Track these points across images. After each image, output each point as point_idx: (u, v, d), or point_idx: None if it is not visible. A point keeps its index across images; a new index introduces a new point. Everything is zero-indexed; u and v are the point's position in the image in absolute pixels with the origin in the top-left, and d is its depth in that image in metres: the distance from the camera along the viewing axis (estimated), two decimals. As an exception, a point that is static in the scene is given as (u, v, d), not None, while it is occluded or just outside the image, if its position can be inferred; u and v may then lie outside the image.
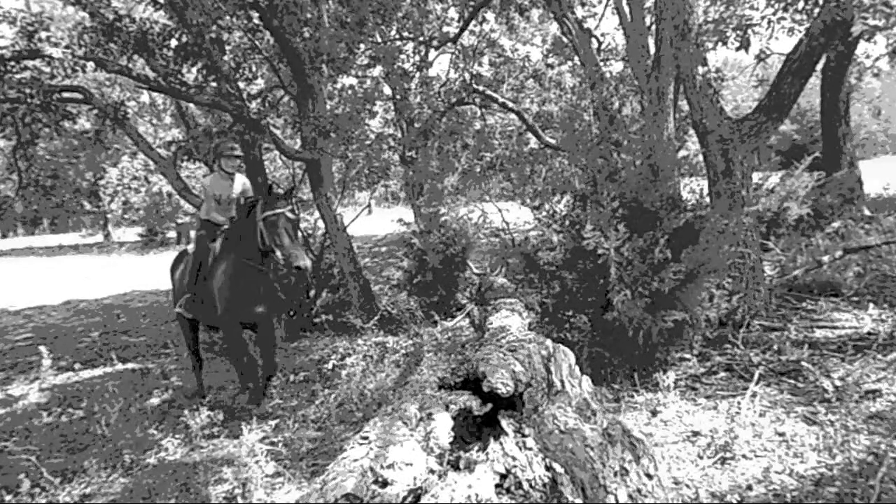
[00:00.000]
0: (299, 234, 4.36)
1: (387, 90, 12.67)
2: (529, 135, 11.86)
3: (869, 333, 4.65)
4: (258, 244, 4.29)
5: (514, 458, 2.31)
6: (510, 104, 11.29)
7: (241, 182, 5.05)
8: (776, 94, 5.21)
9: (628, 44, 7.64)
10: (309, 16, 6.71)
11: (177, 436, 4.16)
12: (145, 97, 21.12)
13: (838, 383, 3.67)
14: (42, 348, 5.97)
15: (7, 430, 4.73)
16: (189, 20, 5.63)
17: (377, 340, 6.12)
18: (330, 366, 5.47)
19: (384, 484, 2.05)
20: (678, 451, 3.22)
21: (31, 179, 7.66)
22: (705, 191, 5.29)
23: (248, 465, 3.45)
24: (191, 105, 8.25)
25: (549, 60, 13.04)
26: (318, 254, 7.76)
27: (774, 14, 8.32)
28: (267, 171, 7.96)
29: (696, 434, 3.37)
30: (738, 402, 3.65)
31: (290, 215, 4.21)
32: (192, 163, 7.87)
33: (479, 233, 8.04)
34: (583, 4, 11.32)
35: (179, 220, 24.70)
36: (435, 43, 11.09)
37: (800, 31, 8.89)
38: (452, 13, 11.65)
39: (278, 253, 4.12)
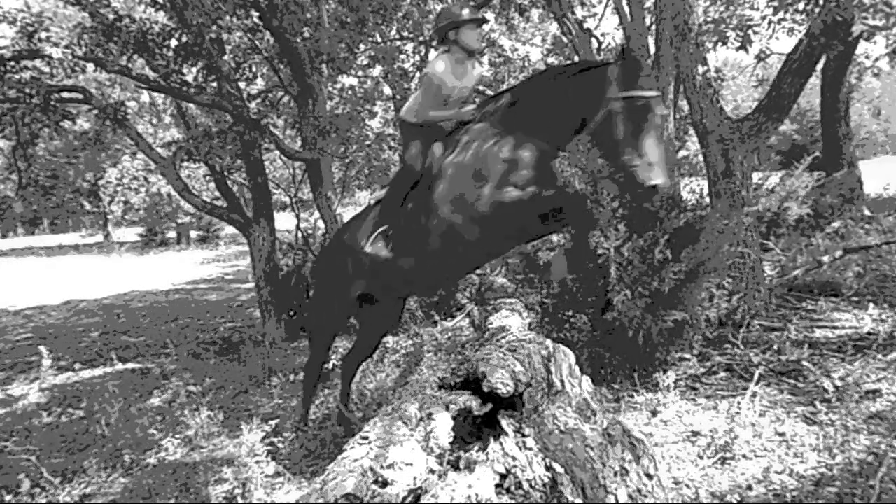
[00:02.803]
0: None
1: (387, 90, 12.67)
2: (529, 135, 11.85)
3: (869, 333, 4.65)
4: (572, 126, 2.81)
5: (514, 458, 2.31)
6: (510, 104, 11.27)
7: (478, 71, 3.59)
8: (776, 94, 5.21)
9: (628, 44, 7.64)
10: (309, 16, 6.71)
11: (177, 436, 4.16)
12: (145, 97, 21.16)
13: (838, 383, 3.67)
14: (42, 348, 5.97)
15: (7, 430, 4.72)
16: (189, 20, 5.63)
17: (377, 340, 6.12)
18: (330, 366, 5.47)
19: (384, 484, 2.05)
20: (678, 451, 3.22)
21: (31, 179, 7.65)
22: (705, 191, 5.29)
23: (248, 465, 3.46)
24: (191, 105, 8.25)
25: (549, 60, 13.03)
26: (317, 254, 7.76)
27: (774, 14, 8.31)
28: (267, 171, 7.95)
29: (696, 434, 3.38)
30: (738, 402, 3.65)
31: (662, 109, 2.66)
32: (192, 162, 7.86)
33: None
34: (583, 4, 11.32)
35: (179, 220, 24.70)
36: (435, 43, 11.09)
37: (800, 32, 8.89)
38: (452, 13, 11.64)
39: (626, 157, 2.55)
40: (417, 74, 10.95)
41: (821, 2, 5.24)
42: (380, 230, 3.29)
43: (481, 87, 10.49)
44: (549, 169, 2.93)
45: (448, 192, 2.97)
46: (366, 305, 3.76)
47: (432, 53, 12.46)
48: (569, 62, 3.31)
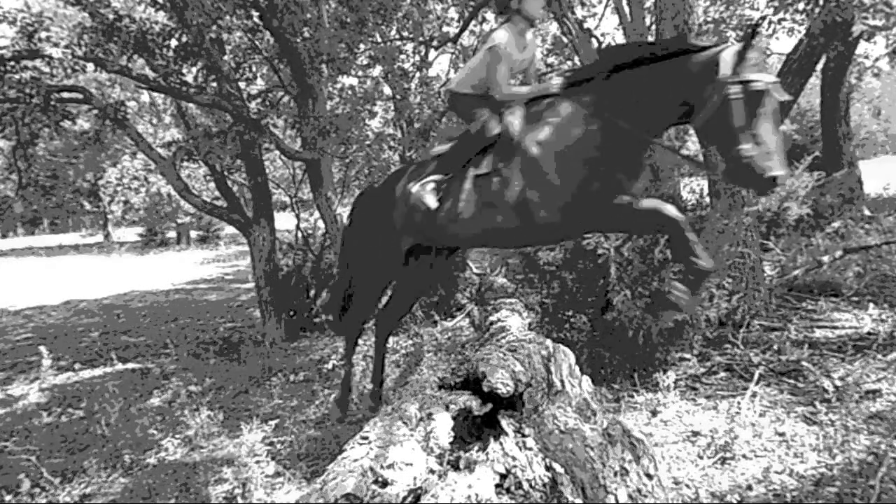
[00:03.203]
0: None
1: (387, 90, 12.67)
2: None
3: (869, 333, 4.65)
4: (672, 112, 2.61)
5: (514, 458, 2.31)
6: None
7: (535, 45, 3.39)
8: (776, 93, 5.20)
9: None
10: (309, 16, 6.71)
11: (177, 436, 4.16)
12: (145, 97, 21.17)
13: (838, 383, 3.67)
14: (42, 348, 5.98)
15: (7, 430, 4.72)
16: (189, 20, 5.62)
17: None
18: (330, 366, 5.47)
19: (384, 484, 2.05)
20: (678, 451, 3.22)
21: (31, 179, 7.65)
22: (705, 191, 5.29)
23: (248, 465, 3.46)
24: (191, 105, 8.25)
25: (549, 60, 13.03)
26: (317, 254, 7.76)
27: (774, 14, 8.32)
28: (267, 171, 7.95)
29: (696, 434, 3.38)
30: (738, 402, 3.65)
31: (782, 95, 2.44)
32: (192, 162, 7.87)
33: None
34: (583, 4, 11.33)
35: (179, 220, 24.70)
36: (435, 43, 11.09)
37: (800, 32, 8.90)
38: (452, 13, 11.65)
39: (744, 147, 2.34)
40: (418, 74, 10.95)
41: (821, 2, 5.24)
42: (432, 178, 3.16)
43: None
44: (638, 160, 2.81)
45: (527, 167, 2.83)
46: (412, 259, 3.64)
47: (432, 54, 12.46)
48: (650, 41, 3.04)
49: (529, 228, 2.90)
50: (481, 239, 3.25)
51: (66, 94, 6.40)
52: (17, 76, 6.10)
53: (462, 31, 10.85)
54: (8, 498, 3.53)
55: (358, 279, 3.95)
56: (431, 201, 3.11)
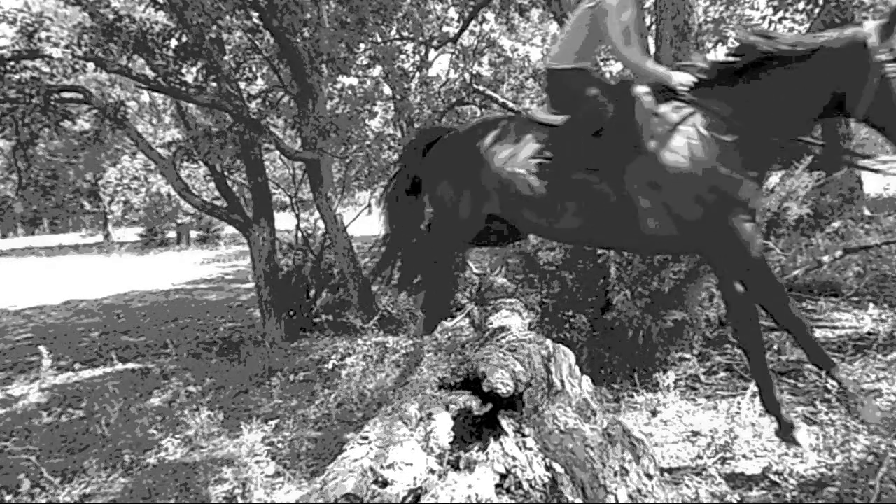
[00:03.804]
0: None
1: (387, 90, 12.68)
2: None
3: (869, 333, 4.64)
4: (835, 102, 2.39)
5: (514, 458, 2.31)
6: (510, 104, 11.30)
7: (633, 8, 2.92)
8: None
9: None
10: (309, 16, 6.71)
11: (177, 436, 4.16)
12: (145, 97, 21.18)
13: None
14: (42, 348, 5.98)
15: (7, 430, 4.73)
16: (189, 20, 5.63)
17: (377, 340, 6.12)
18: (330, 366, 5.46)
19: (384, 484, 2.05)
20: (678, 451, 3.22)
21: (31, 179, 7.66)
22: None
23: (248, 465, 3.46)
24: (191, 105, 8.25)
25: (550, 60, 13.05)
26: (317, 254, 7.76)
27: (774, 14, 8.32)
28: (267, 171, 7.96)
29: (696, 434, 3.38)
30: (738, 402, 3.64)
31: None
32: (192, 162, 7.88)
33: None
34: (583, 4, 11.32)
35: (179, 220, 24.70)
36: (435, 43, 11.11)
37: (800, 32, 8.89)
38: (452, 13, 11.67)
39: None
40: (418, 74, 10.95)
41: (820, 2, 5.24)
42: (534, 156, 2.84)
43: (481, 88, 10.52)
44: (764, 175, 2.65)
45: (646, 174, 2.62)
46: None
47: (432, 54, 12.46)
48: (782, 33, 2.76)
49: (632, 235, 2.75)
50: (573, 235, 3.06)
51: (66, 94, 6.41)
52: (17, 76, 6.10)
53: (462, 31, 10.87)
54: (8, 498, 3.53)
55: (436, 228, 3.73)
56: (535, 184, 2.83)
